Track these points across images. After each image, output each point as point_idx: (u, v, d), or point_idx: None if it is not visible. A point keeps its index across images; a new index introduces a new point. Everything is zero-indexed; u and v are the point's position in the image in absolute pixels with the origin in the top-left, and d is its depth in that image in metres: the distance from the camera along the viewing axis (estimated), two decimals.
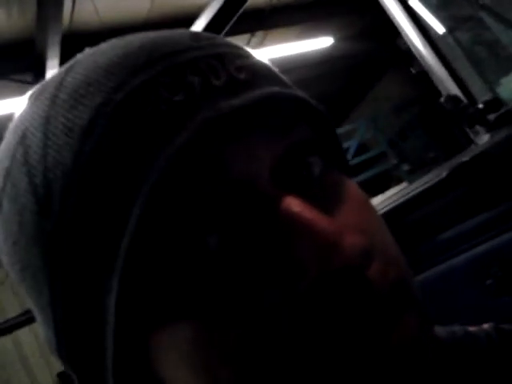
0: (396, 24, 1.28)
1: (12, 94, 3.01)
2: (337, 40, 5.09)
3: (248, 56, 0.30)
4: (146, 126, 0.25)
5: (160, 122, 0.25)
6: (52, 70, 3.09)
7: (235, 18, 2.42)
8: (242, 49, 0.30)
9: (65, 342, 0.28)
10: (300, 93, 0.29)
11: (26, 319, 2.15)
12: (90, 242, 0.25)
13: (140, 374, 0.28)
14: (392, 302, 0.25)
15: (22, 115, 0.30)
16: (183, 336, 0.25)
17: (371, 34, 5.33)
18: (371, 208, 0.30)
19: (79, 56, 0.30)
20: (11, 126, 0.30)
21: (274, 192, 0.26)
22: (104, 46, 0.30)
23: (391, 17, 1.29)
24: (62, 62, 3.06)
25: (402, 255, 0.29)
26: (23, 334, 3.90)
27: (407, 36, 1.26)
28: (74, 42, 3.11)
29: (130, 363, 0.27)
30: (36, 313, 0.30)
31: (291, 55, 4.60)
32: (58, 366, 4.06)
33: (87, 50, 0.30)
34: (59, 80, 0.29)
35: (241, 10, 2.38)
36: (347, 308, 0.24)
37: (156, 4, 3.52)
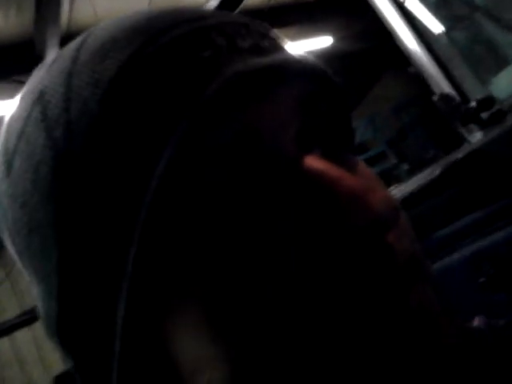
0: (388, 25, 1.28)
1: (11, 95, 3.02)
2: (336, 40, 5.08)
3: (268, 28, 0.31)
4: (176, 78, 0.25)
5: (190, 74, 0.25)
6: None
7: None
8: (262, 22, 0.31)
9: (69, 311, 0.27)
10: (321, 64, 0.30)
11: (24, 320, 2.15)
12: (110, 201, 0.25)
13: (148, 351, 0.27)
14: (409, 270, 0.25)
15: (34, 82, 0.29)
16: (203, 305, 0.25)
17: (370, 33, 5.33)
18: (384, 186, 0.30)
19: (95, 27, 0.30)
20: (20, 95, 0.30)
21: (299, 154, 0.26)
22: (123, 16, 0.30)
23: (383, 17, 1.29)
24: None
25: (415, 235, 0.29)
26: (21, 335, 3.89)
27: (399, 36, 1.26)
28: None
29: (141, 335, 0.26)
30: (37, 286, 0.29)
31: None
32: (56, 369, 4.06)
33: (103, 22, 0.30)
34: (77, 45, 0.28)
35: (238, 9, 2.38)
36: (370, 268, 0.24)
37: (154, 5, 3.52)
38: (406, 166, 5.26)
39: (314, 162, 0.26)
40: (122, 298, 0.25)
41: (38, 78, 0.29)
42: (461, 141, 1.21)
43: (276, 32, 0.31)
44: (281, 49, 0.29)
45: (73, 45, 0.29)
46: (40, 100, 0.27)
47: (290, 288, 0.24)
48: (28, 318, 2.12)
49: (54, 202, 0.26)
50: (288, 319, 0.24)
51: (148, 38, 0.26)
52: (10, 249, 0.30)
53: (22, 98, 0.29)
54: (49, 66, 0.29)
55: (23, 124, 0.28)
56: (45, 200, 0.26)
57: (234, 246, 0.24)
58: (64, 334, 0.27)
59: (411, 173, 5.04)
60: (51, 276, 0.27)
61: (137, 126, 0.24)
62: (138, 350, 0.27)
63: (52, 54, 3.03)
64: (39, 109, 0.27)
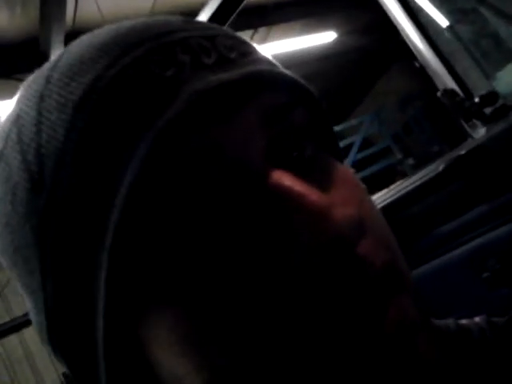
0: (392, 19, 1.28)
1: (15, 94, 3.03)
2: (340, 35, 5.07)
3: (239, 38, 0.31)
4: (137, 100, 0.25)
5: (151, 96, 0.25)
6: None
7: (236, 14, 2.42)
8: (233, 33, 0.31)
9: (55, 325, 0.28)
10: (291, 73, 0.30)
11: (28, 319, 2.16)
12: (80, 216, 0.25)
13: (131, 358, 0.28)
14: (384, 282, 0.25)
15: (17, 100, 0.30)
16: (174, 317, 0.25)
17: (375, 28, 5.30)
18: (363, 190, 0.30)
19: (73, 41, 0.31)
20: (7, 112, 0.31)
21: (266, 169, 0.26)
22: (98, 30, 0.30)
23: (388, 12, 1.29)
24: None
25: (395, 240, 0.29)
26: (29, 332, 3.92)
27: (404, 31, 1.26)
28: None
29: (121, 347, 0.27)
30: (28, 299, 0.30)
31: (295, 50, 4.59)
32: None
33: (82, 36, 0.31)
34: (53, 63, 0.29)
35: (242, 5, 2.37)
36: (339, 283, 0.24)
37: (159, 1, 3.53)
38: (411, 161, 5.25)
39: (279, 177, 0.26)
40: (99, 313, 0.26)
41: (19, 96, 0.30)
42: (465, 135, 1.21)
43: (249, 43, 0.31)
44: (250, 61, 0.29)
45: (49, 63, 0.30)
46: (16, 122, 0.28)
47: (257, 301, 0.24)
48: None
49: (30, 224, 0.27)
50: (261, 330, 0.24)
51: (111, 60, 0.27)
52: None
53: (7, 116, 0.30)
54: (29, 84, 0.30)
55: (3, 145, 0.29)
56: (22, 221, 0.27)
57: (199, 257, 0.25)
58: (54, 343, 0.29)
59: (416, 167, 5.02)
60: (36, 291, 0.28)
61: (99, 153, 0.25)
62: (122, 359, 0.27)
63: (57, 51, 3.04)
64: (15, 130, 0.28)
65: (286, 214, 0.25)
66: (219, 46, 0.28)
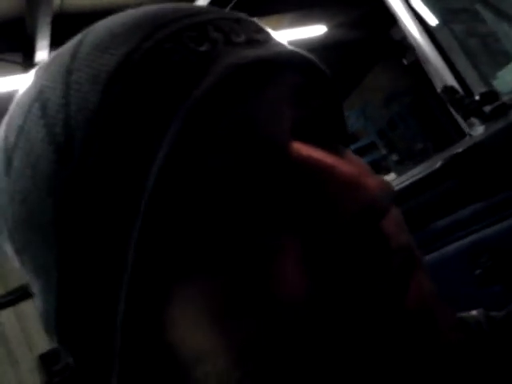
0: (394, 14, 1.28)
1: (1, 74, 2.97)
2: (329, 29, 5.07)
3: (261, 24, 0.31)
4: (172, 72, 0.25)
5: (186, 69, 0.25)
6: (42, 51, 3.04)
7: (229, 6, 2.41)
8: (255, 20, 0.32)
9: (68, 306, 0.27)
10: (314, 58, 0.30)
11: (9, 300, 2.13)
12: (111, 186, 0.25)
13: (149, 342, 0.27)
14: (406, 259, 0.25)
15: (34, 80, 0.29)
16: (206, 291, 0.25)
17: (364, 23, 5.32)
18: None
19: (95, 23, 0.30)
20: (20, 93, 0.30)
21: (295, 144, 0.26)
22: (122, 13, 0.30)
23: (389, 7, 1.29)
24: (52, 43, 3.01)
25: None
26: (5, 315, 3.87)
27: (405, 26, 1.26)
28: (64, 23, 3.06)
29: (142, 327, 0.26)
30: (36, 280, 0.29)
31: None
32: (41, 349, 4.05)
33: (103, 20, 0.30)
34: (77, 41, 0.29)
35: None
36: (370, 252, 0.24)
37: None
38: (395, 157, 5.30)
39: (308, 150, 0.26)
40: (123, 292, 0.25)
41: (37, 74, 0.29)
42: (452, 133, 1.21)
43: (267, 27, 0.32)
44: (274, 43, 0.29)
45: (73, 41, 0.29)
46: (39, 96, 0.27)
47: (286, 276, 0.24)
48: (12, 299, 2.11)
49: (54, 197, 0.26)
50: (287, 311, 0.24)
51: (146, 34, 0.26)
52: (8, 248, 0.30)
53: (22, 95, 0.29)
54: (48, 63, 0.29)
55: (23, 120, 0.28)
56: (44, 196, 0.26)
57: (230, 233, 0.25)
58: (63, 329, 0.28)
59: (400, 163, 5.08)
60: (50, 271, 0.27)
61: (134, 122, 0.25)
62: (139, 345, 0.27)
63: (43, 33, 2.98)
64: (39, 105, 0.27)
65: (320, 184, 0.25)
66: (247, 28, 0.29)
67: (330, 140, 0.29)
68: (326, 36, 5.12)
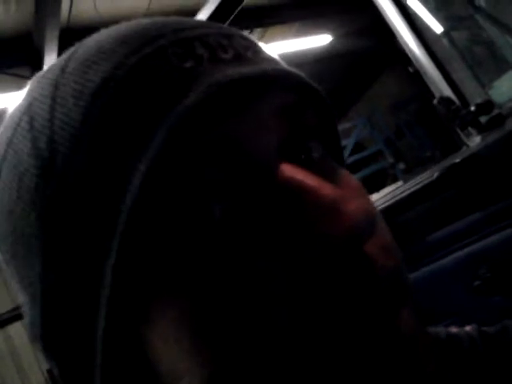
0: (390, 25, 1.28)
1: (9, 89, 3.01)
2: (335, 38, 5.08)
3: (253, 40, 0.31)
4: (155, 89, 0.25)
5: (170, 86, 0.25)
6: None
7: (233, 16, 2.42)
8: (247, 34, 0.32)
9: (52, 319, 0.27)
10: (302, 74, 0.30)
11: (18, 314, 2.14)
12: (91, 203, 0.25)
13: (128, 356, 0.27)
14: (391, 287, 0.25)
15: (27, 92, 0.30)
16: (181, 311, 0.25)
17: (370, 32, 5.32)
18: (368, 197, 0.30)
19: (87, 38, 0.31)
20: (15, 104, 0.30)
21: (278, 163, 0.26)
22: (115, 26, 0.30)
23: (386, 17, 1.29)
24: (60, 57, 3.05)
25: (397, 246, 0.29)
26: (14, 329, 3.88)
27: (401, 37, 1.26)
28: (72, 37, 3.07)
29: (120, 344, 0.27)
30: (22, 294, 0.29)
31: (289, 52, 4.59)
32: None
33: (97, 32, 0.31)
34: (69, 55, 0.29)
35: (239, 8, 2.38)
36: (351, 279, 0.24)
37: (154, 1, 3.51)
38: (402, 165, 5.27)
39: (292, 171, 0.26)
40: (102, 309, 0.25)
41: (31, 86, 0.30)
42: (458, 142, 1.21)
43: (261, 44, 0.31)
44: (265, 60, 0.29)
45: (65, 54, 0.30)
46: (28, 111, 0.28)
47: (263, 298, 0.24)
48: (21, 313, 2.12)
49: (37, 212, 0.26)
50: (267, 328, 0.24)
51: (131, 50, 0.27)
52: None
53: (15, 107, 0.30)
54: (42, 75, 0.30)
55: (12, 133, 0.28)
56: (28, 209, 0.27)
57: (207, 253, 0.25)
58: (47, 340, 0.28)
59: (407, 172, 5.05)
60: (34, 283, 0.27)
61: (115, 138, 0.25)
62: (120, 357, 0.27)
63: (51, 47, 3.02)
64: (27, 118, 0.28)
65: (299, 207, 0.25)
66: (236, 44, 0.28)
67: (324, 158, 0.29)
68: (331, 45, 5.13)
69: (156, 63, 0.26)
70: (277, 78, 0.28)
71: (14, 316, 2.15)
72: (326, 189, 0.25)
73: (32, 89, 0.29)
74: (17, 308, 2.15)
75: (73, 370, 0.28)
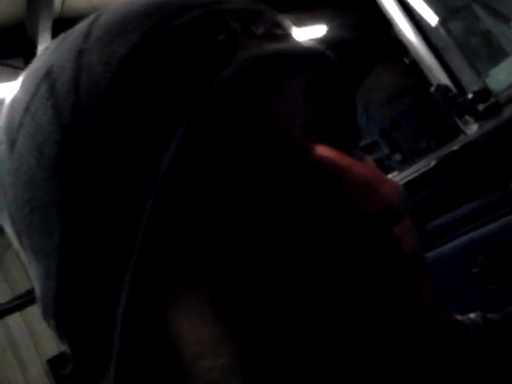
0: (387, 14, 1.28)
1: (1, 79, 2.99)
2: (330, 28, 5.07)
3: (280, 17, 0.30)
4: (189, 59, 0.24)
5: (204, 56, 0.24)
6: None
7: None
8: (275, 12, 0.31)
9: (68, 293, 0.26)
10: (332, 55, 0.29)
11: (17, 304, 2.14)
12: (119, 172, 0.24)
13: (148, 333, 0.26)
14: (416, 265, 0.25)
15: (43, 57, 0.28)
16: (207, 289, 0.24)
17: (365, 22, 5.31)
18: None
19: (106, 8, 0.29)
20: (25, 74, 0.29)
21: (309, 143, 0.26)
22: None
23: (382, 7, 1.29)
24: None
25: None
26: (14, 319, 3.88)
27: (398, 26, 1.26)
28: (65, 28, 3.06)
29: (142, 321, 0.26)
30: (35, 266, 0.28)
31: None
32: (49, 353, 4.06)
33: (116, 3, 0.29)
34: (89, 23, 0.28)
35: None
36: (383, 254, 0.24)
37: None
38: (398, 156, 5.29)
39: (323, 150, 0.25)
40: (125, 285, 0.24)
41: (46, 54, 0.28)
42: (453, 132, 1.21)
43: (287, 22, 0.31)
44: (292, 38, 0.29)
45: (85, 22, 0.28)
46: (48, 77, 0.27)
47: (296, 276, 0.24)
48: (20, 303, 2.12)
49: (59, 179, 0.25)
50: (294, 308, 0.24)
51: (162, 19, 0.26)
52: (8, 229, 0.29)
53: (28, 74, 0.29)
54: (59, 43, 0.28)
55: (29, 100, 0.27)
56: (49, 178, 0.25)
57: (240, 230, 0.24)
58: (61, 315, 0.27)
59: (403, 163, 5.06)
60: (51, 255, 0.26)
61: (147, 109, 0.24)
62: (139, 338, 0.26)
63: (44, 37, 3.00)
64: (46, 86, 0.26)
65: (335, 185, 0.24)
66: (266, 21, 0.28)
67: (342, 139, 0.29)
68: (326, 36, 5.11)
69: (189, 34, 0.25)
70: (308, 54, 0.27)
71: (14, 306, 2.14)
72: (360, 167, 0.25)
73: (48, 57, 0.28)
74: (17, 298, 2.15)
75: (88, 349, 0.27)
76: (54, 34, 2.99)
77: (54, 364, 3.98)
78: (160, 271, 0.25)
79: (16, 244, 0.29)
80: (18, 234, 0.28)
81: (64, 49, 0.27)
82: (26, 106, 0.27)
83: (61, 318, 0.27)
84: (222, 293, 0.24)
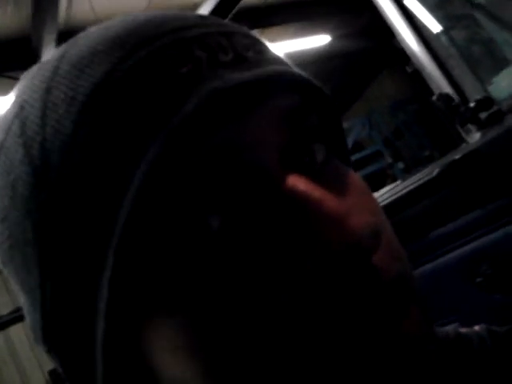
0: (389, 22, 1.28)
1: (5, 92, 3.00)
2: (334, 38, 5.09)
3: (255, 37, 0.30)
4: (151, 96, 0.24)
5: (166, 93, 0.24)
6: None
7: (230, 16, 2.42)
8: (249, 31, 0.30)
9: (52, 325, 0.27)
10: (304, 73, 0.29)
11: (18, 316, 2.14)
12: (86, 213, 0.24)
13: (130, 362, 0.27)
14: (398, 294, 0.25)
15: (18, 92, 0.29)
16: (179, 322, 0.24)
17: (368, 32, 5.33)
18: (374, 198, 0.29)
19: (81, 33, 0.29)
20: (6, 105, 0.30)
21: (280, 172, 0.25)
22: (110, 22, 0.29)
23: (384, 15, 1.29)
24: None
25: (404, 251, 0.28)
26: (15, 331, 3.88)
27: (400, 34, 1.26)
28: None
29: (120, 350, 0.26)
30: (22, 296, 0.29)
31: (288, 53, 4.59)
32: (50, 364, 4.05)
33: (89, 28, 0.29)
34: (61, 53, 0.28)
35: (236, 8, 2.37)
36: (354, 290, 0.24)
37: (153, 2, 3.51)
38: (401, 165, 5.28)
39: (295, 181, 0.25)
40: (100, 316, 0.25)
41: (21, 87, 0.29)
42: (457, 141, 1.21)
43: (263, 42, 0.30)
44: (267, 60, 0.28)
45: (56, 53, 0.29)
46: (19, 114, 0.27)
47: (266, 311, 0.23)
48: (21, 315, 2.11)
49: (31, 220, 0.26)
50: (267, 341, 0.23)
51: (127, 52, 0.26)
52: None
53: (7, 109, 0.29)
54: (33, 74, 0.29)
55: (3, 137, 0.28)
56: (22, 217, 0.26)
57: (206, 266, 0.24)
58: (49, 342, 0.28)
59: (406, 172, 5.06)
60: (34, 290, 0.27)
61: (110, 147, 0.24)
62: (120, 361, 0.27)
63: (49, 50, 3.02)
64: (18, 123, 0.27)
65: (303, 220, 0.24)
66: (236, 45, 0.27)
67: (326, 160, 0.28)
68: (330, 45, 5.13)
69: (151, 68, 0.25)
70: (279, 81, 0.27)
71: (15, 318, 2.14)
72: (330, 201, 0.24)
73: (22, 90, 0.28)
74: (18, 310, 2.15)
75: (76, 371, 0.28)
76: (59, 46, 3.00)
77: (55, 375, 3.97)
78: (131, 305, 0.25)
79: (4, 271, 0.30)
80: (4, 266, 0.29)
81: (35, 83, 0.28)
82: (1, 141, 0.28)
83: (49, 344, 0.28)
84: (192, 328, 0.24)
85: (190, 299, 0.24)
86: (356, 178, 0.29)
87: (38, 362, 4.24)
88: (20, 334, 4.12)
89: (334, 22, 4.97)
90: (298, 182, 0.25)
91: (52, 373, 4.04)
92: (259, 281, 0.24)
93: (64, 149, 0.25)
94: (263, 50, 0.29)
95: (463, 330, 0.35)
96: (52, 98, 0.26)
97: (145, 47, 0.26)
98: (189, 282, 0.24)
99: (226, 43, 0.27)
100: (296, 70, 0.29)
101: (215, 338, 0.24)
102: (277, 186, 0.25)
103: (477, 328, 0.34)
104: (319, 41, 4.98)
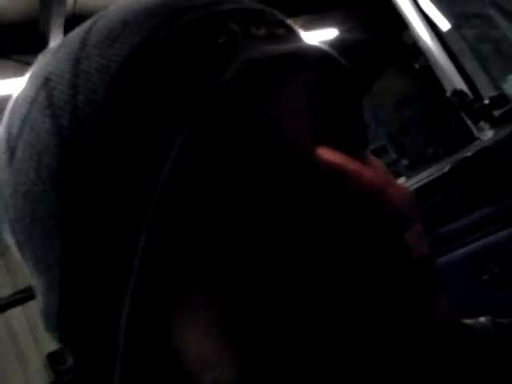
0: (404, 18, 1.28)
1: (12, 75, 2.99)
2: (341, 32, 5.07)
3: (283, 17, 0.30)
4: (189, 64, 0.24)
5: (204, 60, 0.24)
6: None
7: None
8: (276, 11, 0.30)
9: (70, 306, 0.26)
10: (337, 54, 0.29)
11: (18, 299, 2.14)
12: (119, 183, 0.24)
13: (151, 343, 0.26)
14: (428, 275, 0.24)
15: (40, 65, 0.28)
16: (213, 300, 0.24)
17: (375, 27, 5.31)
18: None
19: (106, 10, 0.29)
20: (25, 80, 0.29)
21: (316, 146, 0.25)
22: None
23: (399, 10, 1.28)
24: None
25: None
26: (14, 314, 3.89)
27: (415, 30, 1.25)
28: (77, 25, 3.08)
29: (145, 331, 0.25)
30: (37, 276, 0.28)
31: None
32: (49, 347, 4.06)
33: (114, 6, 0.29)
34: (87, 28, 0.27)
35: None
36: (392, 262, 0.23)
37: None
38: (405, 162, 5.27)
39: (330, 154, 0.25)
40: (128, 293, 0.24)
41: (44, 61, 0.28)
42: (462, 140, 1.20)
43: (289, 21, 0.30)
44: (295, 38, 0.28)
45: (82, 27, 0.28)
46: (45, 86, 0.26)
47: (302, 286, 0.23)
48: (21, 297, 2.12)
49: (58, 191, 0.25)
50: (300, 319, 0.23)
51: (161, 23, 0.25)
52: (9, 240, 0.29)
53: (27, 81, 0.28)
54: (56, 49, 0.28)
55: (28, 109, 0.27)
56: (48, 189, 0.25)
57: (244, 238, 0.24)
58: (64, 328, 0.27)
59: (410, 168, 5.05)
60: (53, 268, 0.26)
61: (146, 116, 0.23)
62: (143, 347, 0.26)
63: (56, 34, 3.01)
64: (44, 94, 0.26)
65: (342, 191, 0.24)
66: (267, 21, 0.27)
67: (350, 141, 0.28)
68: (337, 40, 5.11)
69: (188, 38, 0.24)
70: (311, 55, 0.26)
71: (15, 301, 2.15)
72: (367, 172, 0.24)
73: (45, 64, 0.28)
74: (17, 293, 2.15)
75: (91, 359, 0.27)
76: (67, 31, 2.99)
77: (54, 358, 3.99)
78: (162, 283, 0.24)
79: (18, 254, 0.29)
80: (20, 245, 0.28)
81: (62, 55, 0.27)
82: (24, 115, 0.27)
83: (64, 330, 0.27)
84: (227, 305, 0.24)
85: (229, 273, 0.24)
86: (378, 160, 0.29)
87: (36, 346, 4.25)
88: (19, 316, 4.13)
89: (342, 15, 4.95)
90: (333, 155, 0.25)
91: (51, 356, 4.05)
92: (299, 254, 0.23)
93: (97, 118, 0.24)
94: (292, 28, 0.29)
95: (468, 321, 0.35)
96: (83, 67, 0.25)
97: (179, 19, 0.25)
98: (223, 257, 0.24)
99: (258, 18, 0.27)
100: (325, 47, 0.29)
101: (250, 318, 0.23)
102: (312, 158, 0.25)
103: (482, 319, 0.35)
104: (326, 34, 4.95)
